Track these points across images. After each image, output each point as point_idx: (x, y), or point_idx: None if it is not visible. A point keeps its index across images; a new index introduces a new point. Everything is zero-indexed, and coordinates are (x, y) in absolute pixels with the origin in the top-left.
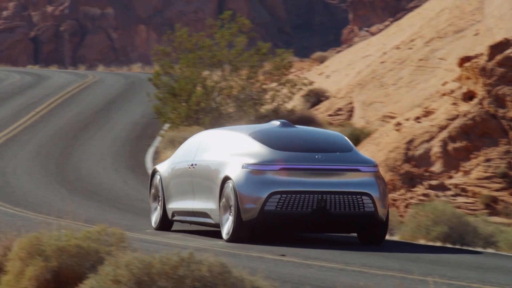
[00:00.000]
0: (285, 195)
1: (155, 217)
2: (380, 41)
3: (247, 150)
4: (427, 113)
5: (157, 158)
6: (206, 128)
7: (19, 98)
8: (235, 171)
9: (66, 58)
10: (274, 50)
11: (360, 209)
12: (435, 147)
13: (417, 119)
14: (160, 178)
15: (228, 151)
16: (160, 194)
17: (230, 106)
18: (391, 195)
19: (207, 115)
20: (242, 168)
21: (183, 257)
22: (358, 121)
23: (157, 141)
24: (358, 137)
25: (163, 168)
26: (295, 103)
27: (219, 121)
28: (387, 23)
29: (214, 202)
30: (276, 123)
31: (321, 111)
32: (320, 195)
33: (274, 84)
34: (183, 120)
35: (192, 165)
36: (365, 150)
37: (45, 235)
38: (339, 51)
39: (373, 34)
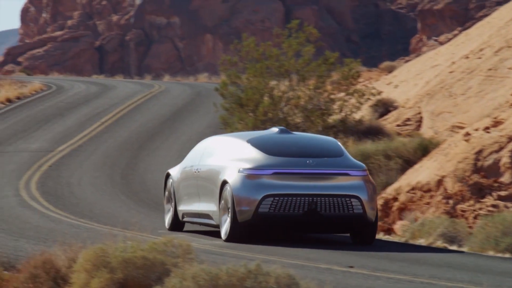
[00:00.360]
0: (277, 198)
1: (168, 218)
2: (448, 50)
3: (244, 155)
4: (496, 123)
5: None
6: None
7: (84, 108)
8: (232, 176)
9: (132, 68)
10: (342, 60)
11: (349, 211)
12: (505, 158)
13: (486, 129)
14: (172, 181)
15: (228, 156)
16: (172, 196)
17: (298, 116)
18: (460, 206)
19: (274, 125)
20: (239, 172)
21: (250, 268)
22: (426, 131)
23: None
24: (426, 148)
25: (174, 172)
26: (363, 113)
27: None
28: (455, 32)
29: (215, 204)
30: (275, 129)
31: (389, 121)
32: (311, 198)
33: (342, 94)
34: (250, 131)
35: (197, 169)
36: (433, 161)
37: (111, 246)
38: (407, 61)
39: (441, 43)
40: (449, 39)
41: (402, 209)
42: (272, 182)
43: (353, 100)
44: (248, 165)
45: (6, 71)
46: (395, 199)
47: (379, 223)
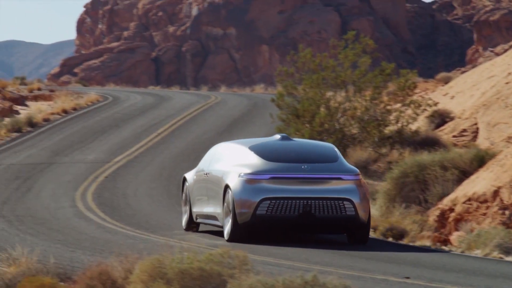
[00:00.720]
0: (274, 201)
1: (184, 219)
2: (504, 61)
3: (245, 161)
4: None
5: None
6: None
7: (140, 119)
8: (233, 180)
9: (188, 79)
10: (398, 71)
11: (342, 212)
12: None
13: None
14: (187, 184)
15: (232, 162)
16: (188, 198)
17: (354, 127)
18: None
19: (331, 136)
20: (239, 177)
21: (307, 279)
22: (483, 142)
23: None
24: (482, 159)
25: (190, 175)
26: (420, 124)
27: (342, 142)
28: (511, 43)
29: (220, 207)
30: (277, 136)
31: (445, 132)
32: (305, 201)
33: (398, 105)
34: None
35: (206, 173)
36: (489, 172)
37: (167, 257)
38: (463, 72)
39: (497, 54)
40: (505, 50)
41: (458, 220)
42: (269, 186)
43: (409, 111)
44: (247, 170)
45: (62, 82)
46: (451, 210)
47: (435, 233)
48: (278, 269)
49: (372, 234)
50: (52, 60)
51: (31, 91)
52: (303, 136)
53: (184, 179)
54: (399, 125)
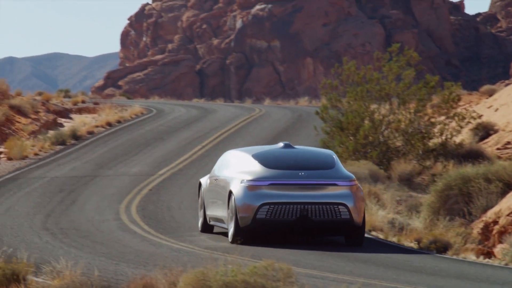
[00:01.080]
0: (273, 206)
1: (200, 222)
2: None
3: (248, 168)
4: None
5: None
6: (374, 162)
7: (184, 132)
8: (236, 186)
9: (232, 92)
10: (442, 83)
11: (337, 216)
12: None
13: None
14: (202, 189)
15: (236, 168)
16: (202, 202)
17: (398, 140)
18: None
19: (375, 149)
20: (241, 183)
21: None
22: None
23: None
24: None
25: (204, 180)
26: (464, 136)
27: (386, 155)
28: None
29: (226, 211)
30: (280, 144)
31: (489, 145)
32: (302, 206)
33: (442, 118)
34: (350, 154)
35: (216, 178)
36: None
37: (211, 270)
38: (507, 84)
39: None
40: None
41: (502, 233)
42: (268, 192)
43: (453, 124)
44: (249, 177)
45: (107, 95)
46: (495, 222)
47: (479, 246)
48: (322, 282)
49: (415, 246)
50: (96, 73)
51: (75, 104)
52: (347, 149)
53: (200, 184)
54: (443, 137)
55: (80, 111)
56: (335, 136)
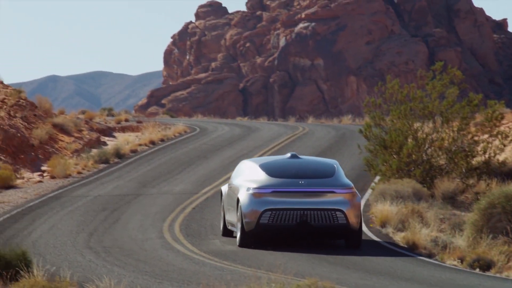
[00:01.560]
0: (275, 212)
1: (221, 226)
2: None
3: (254, 177)
4: None
5: (368, 211)
6: (417, 180)
7: (228, 150)
8: (243, 194)
9: (276, 110)
10: (485, 101)
11: (334, 221)
12: None
13: None
14: (222, 196)
15: (245, 177)
16: (222, 208)
17: (441, 158)
18: None
19: (418, 167)
20: (247, 191)
21: None
22: None
23: (368, 194)
24: None
25: (224, 188)
26: (507, 155)
27: (430, 173)
28: None
29: (236, 216)
30: (288, 155)
31: None
32: (302, 211)
33: (485, 136)
34: (394, 173)
35: (231, 186)
36: None
37: None
38: None
39: None
40: None
41: None
42: (271, 199)
43: (496, 142)
44: (254, 185)
45: (150, 113)
46: None
47: None
48: None
49: (458, 265)
50: (139, 91)
51: (118, 122)
52: (390, 167)
53: (221, 191)
54: (487, 156)
55: (123, 129)
56: (379, 155)
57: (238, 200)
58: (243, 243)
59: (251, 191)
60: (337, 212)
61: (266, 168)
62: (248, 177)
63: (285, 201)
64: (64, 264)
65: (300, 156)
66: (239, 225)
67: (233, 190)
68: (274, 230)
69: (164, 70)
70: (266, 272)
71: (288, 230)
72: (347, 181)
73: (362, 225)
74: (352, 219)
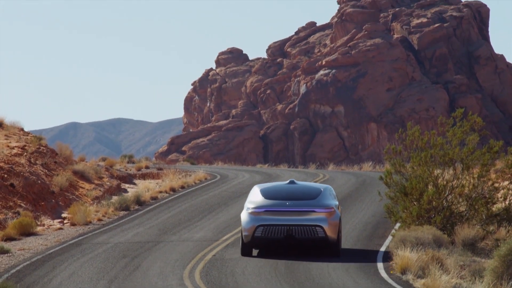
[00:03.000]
0: (266, 227)
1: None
2: None
3: (253, 199)
4: None
5: (388, 258)
6: (437, 227)
7: None
8: (244, 212)
9: (296, 157)
10: (506, 148)
11: (315, 235)
12: None
13: None
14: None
15: (249, 198)
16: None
17: (462, 205)
18: None
19: (439, 214)
20: (246, 210)
21: None
22: None
23: (388, 240)
24: None
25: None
26: None
27: (450, 220)
28: None
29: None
30: (287, 181)
31: None
32: (288, 227)
33: (506, 183)
34: (414, 220)
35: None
36: None
37: None
38: None
39: None
40: None
41: None
42: (264, 217)
43: None
44: (251, 206)
45: (170, 160)
46: None
47: None
48: None
49: None
50: (160, 138)
51: (139, 169)
52: (410, 214)
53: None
54: (507, 202)
55: (144, 176)
56: (399, 201)
57: (241, 217)
58: (243, 252)
59: (249, 210)
60: (317, 228)
61: (263, 192)
62: (250, 198)
63: (275, 218)
64: None
65: (297, 182)
66: (241, 238)
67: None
68: (266, 242)
69: (185, 117)
70: None
71: (277, 242)
72: (328, 202)
73: (341, 238)
74: (330, 233)
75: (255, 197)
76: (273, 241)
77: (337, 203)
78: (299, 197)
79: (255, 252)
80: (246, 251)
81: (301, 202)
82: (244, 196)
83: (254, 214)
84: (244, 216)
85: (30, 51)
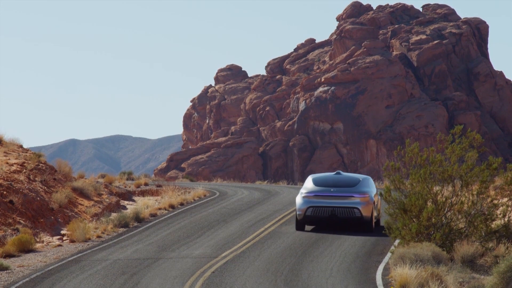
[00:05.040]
0: (315, 208)
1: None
2: None
3: (306, 185)
4: None
5: (387, 275)
6: (437, 244)
7: (247, 214)
8: (298, 196)
9: (295, 174)
10: (505, 165)
11: (353, 215)
12: None
13: None
14: None
15: (303, 185)
16: None
17: (461, 222)
18: None
19: (438, 231)
20: (300, 194)
21: None
22: None
23: (387, 257)
24: None
25: None
26: None
27: (449, 237)
28: None
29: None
30: (334, 172)
31: None
32: (332, 208)
33: (505, 199)
34: (413, 236)
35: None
36: None
37: None
38: None
39: None
40: None
41: None
42: (313, 200)
43: None
44: (304, 191)
45: (169, 177)
46: None
47: None
48: None
49: None
50: (159, 155)
51: (138, 186)
52: (410, 231)
53: None
54: (506, 219)
55: (143, 193)
56: (398, 218)
57: (296, 200)
58: (298, 228)
59: (303, 195)
60: (354, 209)
61: (314, 180)
62: (304, 185)
63: (322, 201)
64: None
65: (342, 173)
66: (295, 216)
67: None
68: (315, 220)
69: (184, 134)
70: None
71: (323, 220)
72: (364, 189)
73: (373, 217)
74: (365, 213)
75: (308, 184)
76: (320, 219)
77: (374, 190)
78: (342, 185)
79: (255, 270)
80: (300, 227)
81: (343, 189)
82: (243, 213)
83: (306, 197)
84: (298, 199)
85: (28, 68)
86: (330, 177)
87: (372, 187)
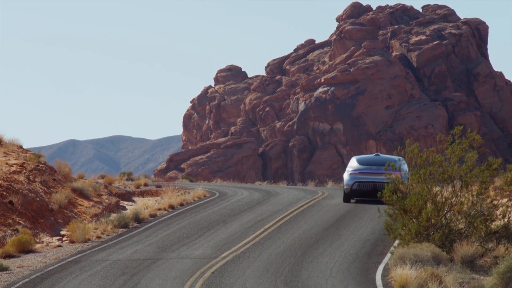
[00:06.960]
0: (360, 182)
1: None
2: None
3: (352, 164)
4: None
5: (387, 276)
6: (436, 244)
7: (247, 214)
8: (345, 174)
9: (295, 174)
10: (505, 165)
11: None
12: None
13: None
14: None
15: (349, 164)
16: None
17: (460, 222)
18: None
19: (437, 232)
20: (347, 172)
21: None
22: None
23: (387, 258)
24: None
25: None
26: None
27: (449, 237)
28: None
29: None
30: (374, 154)
31: None
32: (373, 183)
33: (505, 200)
34: (413, 237)
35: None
36: None
37: None
38: None
39: None
40: None
41: None
42: (358, 176)
43: None
44: (350, 169)
45: (169, 177)
46: None
47: None
48: None
49: None
50: (158, 156)
51: (137, 186)
52: (409, 231)
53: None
54: (506, 220)
55: (142, 194)
56: (398, 219)
57: (343, 177)
58: (345, 200)
59: (349, 172)
60: (391, 184)
61: (358, 160)
62: (349, 164)
63: (365, 177)
64: None
65: (380, 155)
66: (343, 191)
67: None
68: (359, 192)
69: (184, 135)
70: None
71: (367, 192)
72: (400, 168)
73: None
74: (401, 187)
75: (353, 163)
76: (364, 192)
77: (406, 169)
78: (381, 164)
79: (255, 270)
80: (347, 199)
81: (382, 167)
82: (243, 213)
83: (353, 174)
84: (346, 176)
85: (28, 68)
86: (371, 158)
87: (405, 166)
